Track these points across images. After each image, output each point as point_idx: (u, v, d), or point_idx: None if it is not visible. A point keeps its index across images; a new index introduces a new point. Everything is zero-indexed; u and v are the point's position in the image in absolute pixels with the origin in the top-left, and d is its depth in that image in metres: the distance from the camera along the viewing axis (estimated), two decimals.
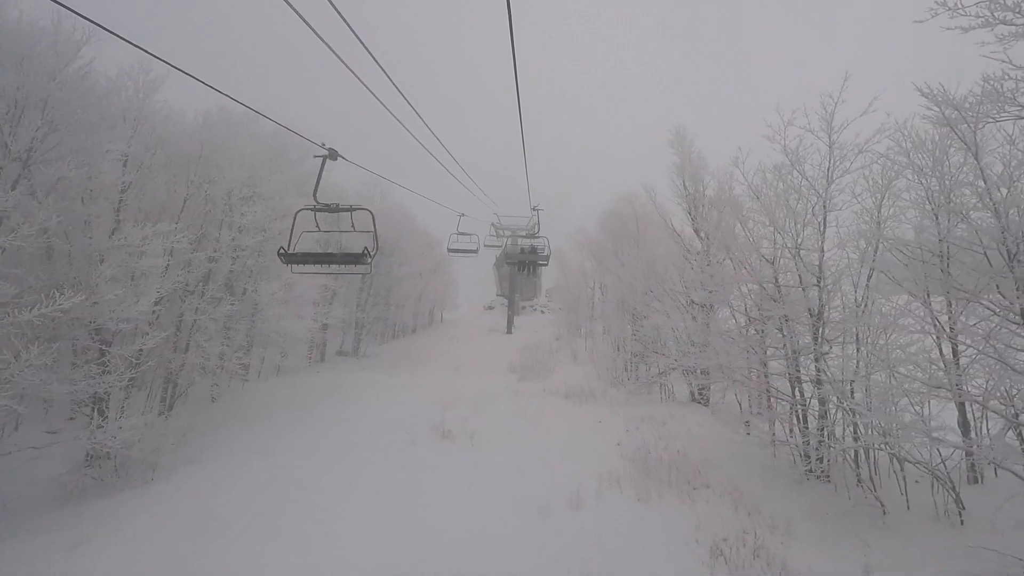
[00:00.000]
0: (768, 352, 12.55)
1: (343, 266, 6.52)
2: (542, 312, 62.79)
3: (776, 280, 11.46)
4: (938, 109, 7.52)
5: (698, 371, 17.02)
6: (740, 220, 12.11)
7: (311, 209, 6.57)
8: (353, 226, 7.00)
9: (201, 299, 13.98)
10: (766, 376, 12.53)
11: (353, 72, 5.03)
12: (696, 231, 18.06)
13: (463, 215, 16.77)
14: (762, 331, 12.94)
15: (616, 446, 13.20)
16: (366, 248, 6.31)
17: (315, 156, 6.22)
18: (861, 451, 10.20)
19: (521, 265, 39.68)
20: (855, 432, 10.16)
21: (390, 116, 6.23)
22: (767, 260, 11.81)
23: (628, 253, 27.14)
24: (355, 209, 6.80)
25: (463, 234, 16.72)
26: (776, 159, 11.55)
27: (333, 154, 6.12)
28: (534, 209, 40.11)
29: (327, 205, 6.52)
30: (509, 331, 50.01)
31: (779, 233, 11.22)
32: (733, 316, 13.95)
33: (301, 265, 6.48)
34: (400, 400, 18.33)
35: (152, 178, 14.03)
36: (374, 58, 4.61)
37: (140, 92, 13.77)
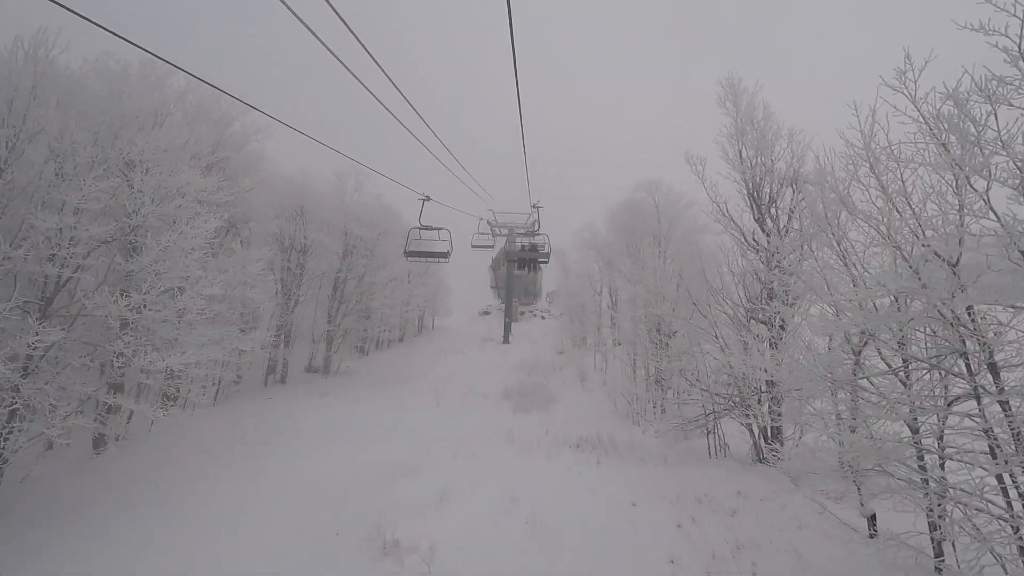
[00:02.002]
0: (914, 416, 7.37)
1: None
2: (542, 318, 57.54)
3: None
4: None
5: (768, 429, 11.83)
6: (892, 192, 6.89)
7: None
8: None
9: None
10: (919, 456, 7.32)
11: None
12: (760, 220, 12.88)
13: (427, 199, 11.54)
14: (906, 377, 7.78)
15: (670, 566, 7.99)
16: None
17: None
18: None
19: (521, 263, 34.29)
20: None
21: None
22: (943, 260, 6.63)
23: (649, 252, 22.01)
24: None
25: (428, 228, 11.46)
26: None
27: None
28: (534, 206, 34.61)
29: None
30: (506, 340, 44.75)
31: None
32: (864, 363, 8.70)
33: None
34: (346, 459, 13.09)
35: None
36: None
37: None
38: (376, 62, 5.48)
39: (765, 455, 12.14)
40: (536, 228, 37.29)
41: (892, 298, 7.64)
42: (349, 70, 5.95)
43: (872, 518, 8.82)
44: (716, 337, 13.34)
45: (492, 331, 48.00)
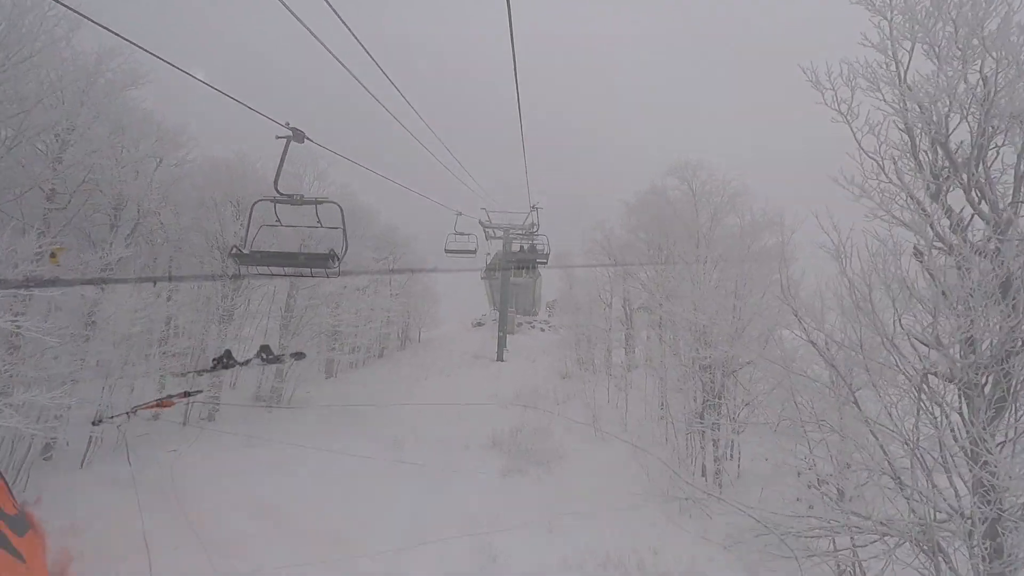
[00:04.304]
0: None
1: None
2: (541, 330, 51.55)
3: None
4: None
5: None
6: None
7: None
8: None
9: None
10: None
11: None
12: (938, 195, 7.00)
13: (295, 136, 5.63)
14: None
15: None
16: None
17: None
18: None
19: (519, 264, 29.20)
20: None
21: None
22: None
23: (691, 253, 16.22)
24: None
25: (296, 199, 5.66)
26: None
27: None
28: (533, 207, 28.57)
29: None
30: (500, 357, 38.76)
31: None
32: None
33: None
34: None
35: None
36: None
37: None
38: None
39: None
40: (535, 229, 31.80)
41: None
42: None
43: None
44: (853, 408, 7.43)
45: (485, 345, 41.93)
